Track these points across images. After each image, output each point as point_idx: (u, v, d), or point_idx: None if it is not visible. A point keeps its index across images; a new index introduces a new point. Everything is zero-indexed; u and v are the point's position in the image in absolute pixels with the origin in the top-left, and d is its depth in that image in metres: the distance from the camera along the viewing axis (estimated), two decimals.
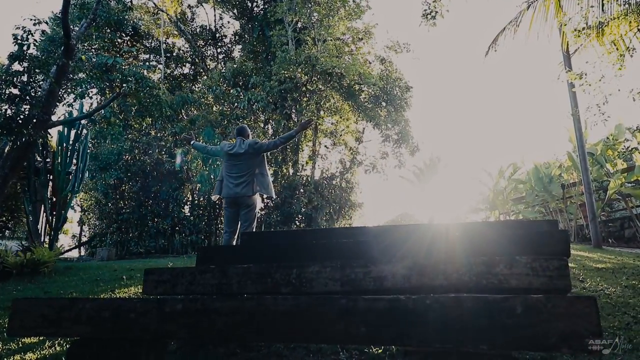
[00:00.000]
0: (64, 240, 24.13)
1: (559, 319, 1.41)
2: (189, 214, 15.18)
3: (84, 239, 16.65)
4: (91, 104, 14.91)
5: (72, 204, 7.54)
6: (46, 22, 6.47)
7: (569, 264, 5.94)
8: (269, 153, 15.98)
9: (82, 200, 17.86)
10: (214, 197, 5.46)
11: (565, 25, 6.65)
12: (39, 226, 8.19)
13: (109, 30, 16.67)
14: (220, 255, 3.71)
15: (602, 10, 6.99)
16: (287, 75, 14.18)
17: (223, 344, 2.64)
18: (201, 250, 3.76)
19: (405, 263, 2.37)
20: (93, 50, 16.34)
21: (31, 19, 6.47)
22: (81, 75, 10.15)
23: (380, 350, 2.52)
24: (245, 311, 1.76)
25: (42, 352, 2.58)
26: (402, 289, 2.32)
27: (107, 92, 14.50)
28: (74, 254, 17.70)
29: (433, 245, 2.86)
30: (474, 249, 2.67)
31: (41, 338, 2.87)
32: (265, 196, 5.81)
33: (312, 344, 2.64)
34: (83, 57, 7.96)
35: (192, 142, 5.55)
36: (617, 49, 7.13)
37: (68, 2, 6.22)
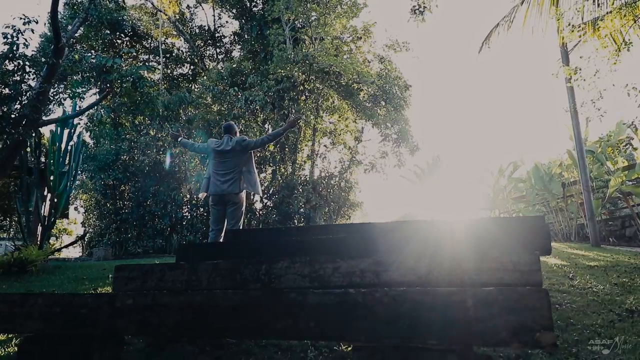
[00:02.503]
0: (68, 241, 24.16)
1: (509, 313, 1.34)
2: (187, 214, 15.16)
3: (85, 240, 16.67)
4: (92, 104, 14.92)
5: (64, 204, 7.52)
6: (36, 21, 6.46)
7: (563, 262, 5.86)
8: (265, 150, 16.07)
9: (83, 200, 17.89)
10: (201, 195, 5.41)
11: (559, 20, 6.56)
12: (38, 225, 8.17)
13: (107, 31, 16.69)
14: (200, 253, 3.65)
15: (598, 4, 6.90)
16: (284, 75, 14.13)
17: (177, 340, 2.59)
18: (181, 247, 3.71)
19: (375, 259, 2.31)
20: (92, 52, 16.36)
21: (21, 18, 6.45)
22: (79, 76, 10.13)
23: (349, 348, 2.46)
24: (195, 306, 1.70)
25: (7, 350, 2.54)
26: (370, 285, 2.26)
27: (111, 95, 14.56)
28: (74, 253, 17.72)
29: (410, 242, 2.79)
30: (451, 245, 2.60)
31: (9, 335, 2.82)
32: (255, 195, 5.73)
33: (282, 341, 2.59)
34: (76, 56, 7.94)
35: (179, 140, 5.50)
36: (615, 42, 7.03)
37: (57, 2, 6.20)
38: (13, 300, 1.93)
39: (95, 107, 8.31)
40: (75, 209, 18.48)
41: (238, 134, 5.43)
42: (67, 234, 25.41)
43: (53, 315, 1.85)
